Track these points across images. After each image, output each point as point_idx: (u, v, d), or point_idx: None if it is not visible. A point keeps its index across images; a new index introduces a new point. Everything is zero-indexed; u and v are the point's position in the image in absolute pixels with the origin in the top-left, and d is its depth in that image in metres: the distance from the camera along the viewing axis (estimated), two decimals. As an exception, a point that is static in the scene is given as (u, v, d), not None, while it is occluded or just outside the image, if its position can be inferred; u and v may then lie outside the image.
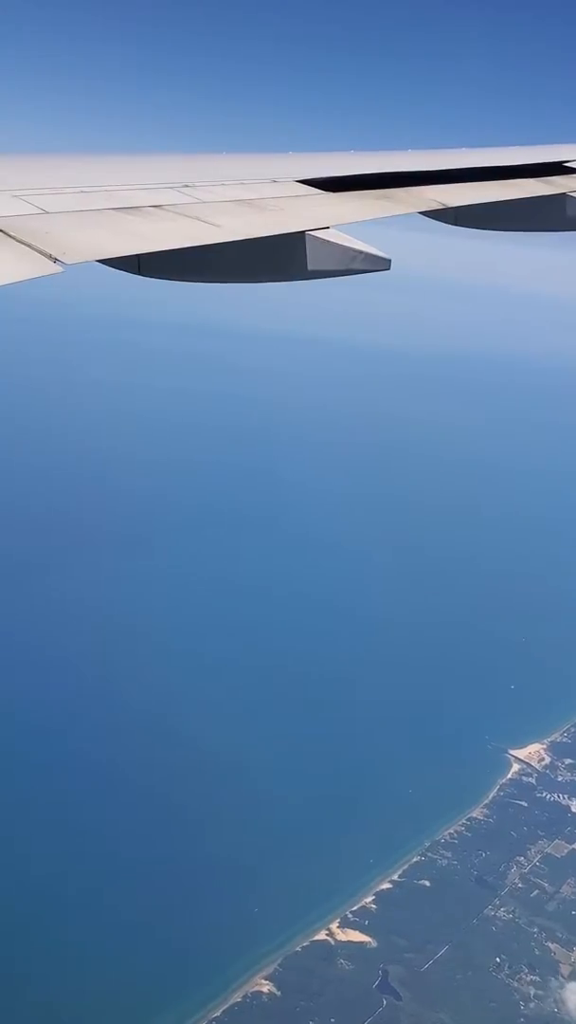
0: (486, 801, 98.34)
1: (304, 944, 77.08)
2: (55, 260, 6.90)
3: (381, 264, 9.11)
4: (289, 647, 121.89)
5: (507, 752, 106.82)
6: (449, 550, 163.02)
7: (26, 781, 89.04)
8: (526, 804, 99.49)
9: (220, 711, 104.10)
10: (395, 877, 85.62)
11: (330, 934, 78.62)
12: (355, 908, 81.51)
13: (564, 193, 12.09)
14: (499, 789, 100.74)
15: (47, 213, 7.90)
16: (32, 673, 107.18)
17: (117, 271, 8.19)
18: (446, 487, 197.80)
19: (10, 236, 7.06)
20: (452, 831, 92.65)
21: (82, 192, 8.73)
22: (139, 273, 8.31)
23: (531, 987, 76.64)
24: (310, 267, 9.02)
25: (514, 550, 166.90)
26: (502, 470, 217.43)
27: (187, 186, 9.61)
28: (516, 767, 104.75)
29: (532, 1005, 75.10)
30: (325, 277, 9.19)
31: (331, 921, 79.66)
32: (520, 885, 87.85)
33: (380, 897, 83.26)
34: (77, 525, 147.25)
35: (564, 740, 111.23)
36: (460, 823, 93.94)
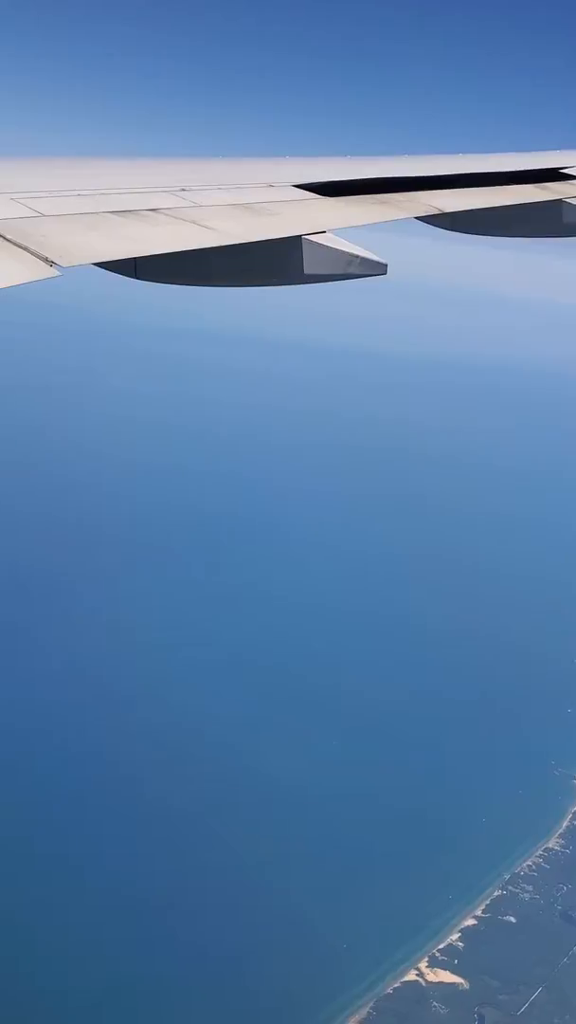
0: (560, 830, 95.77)
1: (395, 985, 75.13)
2: (51, 263, 7.01)
3: (378, 269, 9.21)
4: (316, 663, 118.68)
5: (575, 778, 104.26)
6: (463, 558, 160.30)
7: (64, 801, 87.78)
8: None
9: (265, 734, 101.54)
10: (478, 912, 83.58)
11: (420, 974, 76.58)
12: (442, 946, 79.45)
13: (560, 199, 12.28)
14: (572, 817, 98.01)
15: (43, 216, 8.03)
16: (35, 677, 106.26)
17: (114, 275, 8.32)
18: (444, 491, 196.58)
19: (6, 239, 7.19)
20: (530, 863, 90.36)
21: (79, 195, 8.85)
22: (136, 277, 8.48)
23: (630, 1032, 74.17)
24: (307, 271, 9.14)
25: (521, 557, 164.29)
26: (499, 474, 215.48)
27: (184, 190, 9.76)
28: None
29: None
30: (322, 281, 9.30)
31: (419, 960, 77.58)
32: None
33: (466, 934, 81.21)
34: (74, 531, 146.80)
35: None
36: (537, 854, 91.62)
